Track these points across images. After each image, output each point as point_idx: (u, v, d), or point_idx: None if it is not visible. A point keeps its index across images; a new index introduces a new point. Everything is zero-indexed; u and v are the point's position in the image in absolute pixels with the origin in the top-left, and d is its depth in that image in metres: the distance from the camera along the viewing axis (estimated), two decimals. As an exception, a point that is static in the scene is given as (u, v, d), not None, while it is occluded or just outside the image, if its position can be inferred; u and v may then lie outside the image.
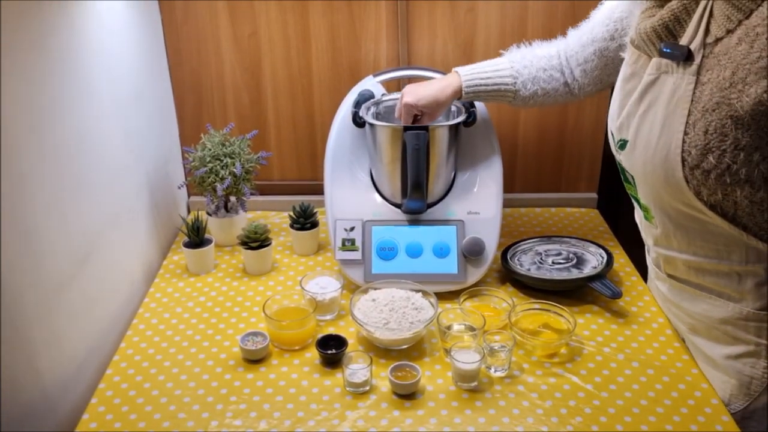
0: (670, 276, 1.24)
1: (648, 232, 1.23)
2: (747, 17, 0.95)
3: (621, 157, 1.18)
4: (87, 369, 1.27)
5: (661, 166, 1.07)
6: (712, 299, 1.17)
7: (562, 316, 1.34)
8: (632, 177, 1.17)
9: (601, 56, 1.35)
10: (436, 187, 1.49)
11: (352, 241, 1.47)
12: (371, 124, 1.45)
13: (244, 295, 1.49)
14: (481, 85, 1.38)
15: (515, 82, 1.38)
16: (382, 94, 1.55)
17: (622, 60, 1.27)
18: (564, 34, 1.70)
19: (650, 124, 1.07)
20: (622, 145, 1.15)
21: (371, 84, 1.56)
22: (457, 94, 1.38)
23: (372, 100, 1.52)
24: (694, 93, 1.01)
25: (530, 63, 1.39)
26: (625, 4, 1.26)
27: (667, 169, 1.06)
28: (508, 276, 1.53)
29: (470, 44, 1.72)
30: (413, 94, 1.37)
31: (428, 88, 1.38)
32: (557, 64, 1.40)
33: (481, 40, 1.71)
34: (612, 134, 1.19)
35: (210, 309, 1.44)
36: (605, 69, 1.36)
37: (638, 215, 1.28)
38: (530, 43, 1.43)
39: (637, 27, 1.10)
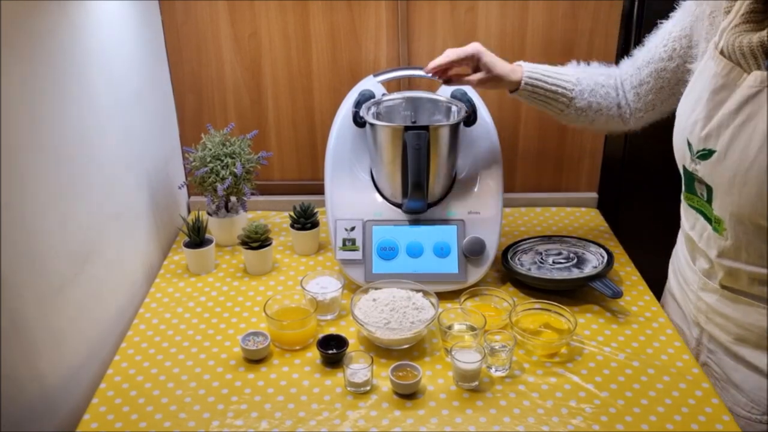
0: (724, 287, 1.20)
1: (713, 243, 1.18)
2: None
3: (698, 167, 1.14)
4: (88, 369, 1.27)
5: (755, 179, 1.05)
6: None
7: (562, 315, 1.34)
8: (708, 188, 1.14)
9: (657, 77, 1.32)
10: (436, 187, 1.49)
11: (353, 241, 1.47)
12: (372, 124, 1.45)
13: (244, 295, 1.49)
14: (541, 80, 1.37)
15: (574, 89, 1.37)
16: (383, 94, 1.55)
17: (678, 83, 1.28)
18: (564, 33, 1.71)
19: (748, 137, 1.05)
20: (705, 155, 1.12)
21: (371, 84, 1.56)
22: (516, 83, 1.37)
23: (372, 100, 1.52)
24: None
25: (589, 75, 1.39)
26: (685, 20, 1.25)
27: (761, 183, 1.05)
28: (508, 276, 1.53)
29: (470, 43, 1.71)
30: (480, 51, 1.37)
31: (494, 60, 1.38)
32: (613, 84, 1.39)
33: (481, 40, 1.69)
34: (688, 144, 1.16)
35: (211, 309, 1.44)
36: (660, 92, 1.34)
37: (694, 227, 1.24)
38: (588, 63, 1.44)
39: (732, 41, 1.08)
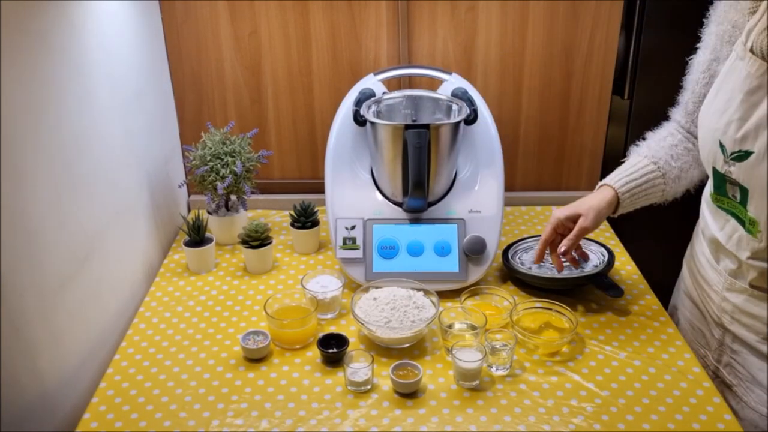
0: (753, 286, 1.19)
1: (745, 245, 1.17)
2: None
3: (732, 168, 1.13)
4: (88, 368, 1.26)
5: None
6: None
7: (563, 314, 1.34)
8: (742, 189, 1.13)
9: None
10: (437, 186, 1.48)
11: (353, 240, 1.46)
12: (372, 123, 1.45)
13: (244, 294, 1.49)
14: (631, 182, 1.33)
15: (659, 167, 1.33)
16: (383, 93, 1.55)
17: None
18: (564, 32, 1.70)
19: None
20: (741, 156, 1.10)
21: (372, 82, 1.56)
22: (614, 203, 1.34)
23: (373, 99, 1.51)
24: None
25: (659, 147, 1.35)
26: (712, 45, 1.22)
27: None
28: (509, 274, 1.53)
29: (471, 43, 1.71)
30: (564, 208, 1.36)
31: (580, 201, 1.36)
32: (682, 138, 1.35)
33: (481, 39, 1.71)
34: (721, 146, 1.14)
35: (211, 308, 1.44)
36: None
37: (723, 228, 1.22)
38: (643, 138, 1.40)
39: (763, 41, 1.06)
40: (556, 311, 1.35)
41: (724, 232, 1.22)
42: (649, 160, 1.34)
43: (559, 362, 1.27)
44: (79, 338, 1.24)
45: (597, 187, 1.38)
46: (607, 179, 1.36)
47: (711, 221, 1.26)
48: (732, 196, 1.16)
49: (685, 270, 1.42)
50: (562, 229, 1.37)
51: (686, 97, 1.33)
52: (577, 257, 1.41)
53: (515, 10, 1.68)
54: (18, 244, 1.03)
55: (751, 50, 1.09)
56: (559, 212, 1.36)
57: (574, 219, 1.34)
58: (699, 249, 1.34)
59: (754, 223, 1.13)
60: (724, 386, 1.28)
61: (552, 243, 1.38)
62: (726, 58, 1.18)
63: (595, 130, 1.82)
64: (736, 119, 1.10)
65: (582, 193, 1.85)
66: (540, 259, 1.41)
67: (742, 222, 1.16)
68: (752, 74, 1.08)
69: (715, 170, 1.18)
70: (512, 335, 1.27)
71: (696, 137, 1.31)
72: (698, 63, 1.27)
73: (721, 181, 1.18)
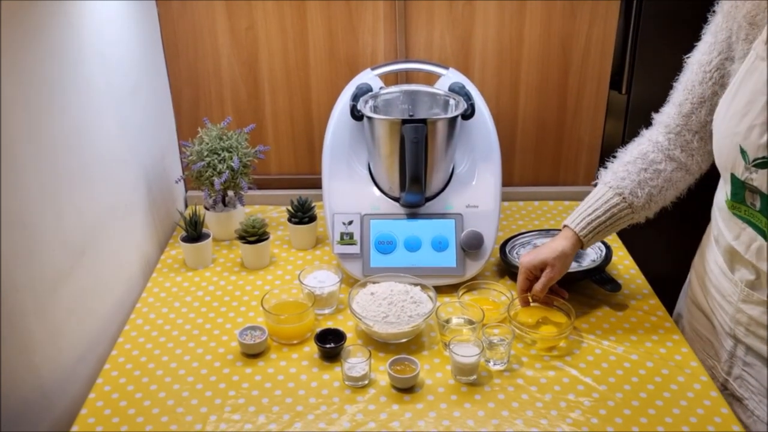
0: None
1: (764, 254, 1.11)
2: None
3: (755, 175, 1.07)
4: (85, 364, 1.26)
5: None
6: None
7: (561, 309, 1.34)
8: (763, 197, 1.07)
9: (713, 113, 1.20)
10: (434, 181, 1.48)
11: (351, 235, 1.46)
12: (369, 118, 1.44)
13: (242, 289, 1.49)
14: (594, 220, 1.30)
15: (624, 198, 1.28)
16: (380, 87, 1.55)
17: None
18: (562, 27, 1.70)
19: None
20: (765, 163, 1.05)
21: (369, 77, 1.56)
22: (578, 244, 1.31)
23: (370, 93, 1.51)
24: None
25: (627, 173, 1.29)
26: (721, 42, 1.15)
27: None
28: (506, 269, 1.53)
29: (468, 37, 1.71)
30: (531, 254, 1.33)
31: (547, 246, 1.33)
32: (655, 159, 1.29)
33: (479, 33, 1.71)
34: (742, 151, 1.08)
35: (208, 303, 1.44)
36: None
37: (739, 237, 1.17)
38: (613, 157, 1.35)
39: None
40: (554, 305, 1.35)
41: (740, 241, 1.16)
42: (614, 192, 1.29)
43: (556, 357, 1.27)
44: (77, 334, 1.24)
45: (561, 226, 1.35)
46: (568, 220, 1.33)
47: (725, 229, 1.20)
48: (750, 204, 1.11)
49: (693, 277, 1.37)
50: (532, 277, 1.34)
51: (681, 98, 1.24)
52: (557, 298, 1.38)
53: (512, 5, 1.67)
54: (15, 239, 1.03)
55: None
56: (528, 262, 1.32)
57: (542, 267, 1.32)
58: (711, 257, 1.28)
59: None
60: (733, 399, 1.24)
61: (527, 290, 1.36)
62: (742, 57, 1.11)
63: (592, 125, 1.82)
64: (760, 123, 1.04)
65: (579, 188, 1.88)
66: (526, 303, 1.36)
67: (761, 231, 1.10)
68: None
69: (733, 176, 1.12)
70: (510, 330, 1.27)
71: (683, 144, 1.27)
72: (699, 62, 1.20)
73: (740, 188, 1.11)
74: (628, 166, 1.30)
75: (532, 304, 1.36)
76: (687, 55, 1.23)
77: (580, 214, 1.32)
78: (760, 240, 1.11)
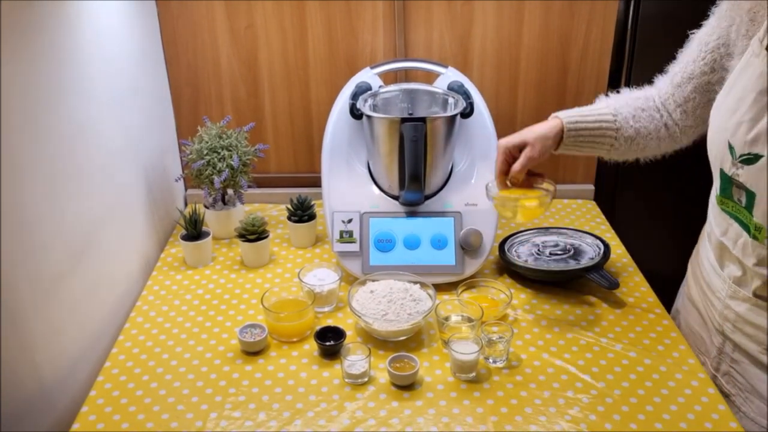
0: (757, 296, 1.15)
1: (751, 251, 1.12)
2: None
3: (740, 171, 1.08)
4: (86, 362, 1.27)
5: None
6: None
7: (541, 187, 1.31)
8: (749, 193, 1.09)
9: (703, 92, 1.24)
10: (433, 179, 1.49)
11: (350, 233, 1.47)
12: (369, 116, 1.45)
13: (242, 287, 1.49)
14: (582, 122, 1.29)
15: (616, 119, 1.30)
16: (380, 86, 1.55)
17: None
18: (560, 25, 1.70)
19: None
20: (750, 159, 1.06)
21: (368, 76, 1.56)
22: (559, 137, 1.30)
23: (369, 92, 1.51)
24: None
25: (626, 103, 1.32)
26: (721, 27, 1.17)
27: None
28: (505, 267, 1.53)
29: (467, 36, 1.72)
30: (509, 136, 1.31)
31: (527, 128, 1.31)
32: (653, 106, 1.32)
33: (478, 32, 1.71)
34: (730, 147, 1.09)
35: (208, 302, 1.44)
36: (708, 105, 1.22)
37: (727, 233, 1.18)
38: (617, 91, 1.36)
39: None
40: (534, 187, 1.31)
41: (728, 237, 1.18)
42: (610, 110, 1.30)
43: (555, 354, 1.27)
44: (77, 332, 1.24)
45: (549, 118, 1.34)
46: (561, 113, 1.32)
47: (715, 225, 1.22)
48: (737, 200, 1.12)
49: (689, 274, 1.39)
50: (510, 159, 1.31)
51: (676, 69, 1.28)
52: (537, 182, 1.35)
53: (511, 5, 1.68)
54: (15, 238, 1.03)
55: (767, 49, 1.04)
56: (507, 142, 1.30)
57: (521, 148, 1.29)
58: (704, 253, 1.29)
59: (760, 228, 1.09)
60: (721, 394, 1.23)
61: (505, 172, 1.33)
62: (741, 53, 1.12)
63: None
64: (747, 120, 1.05)
65: (579, 186, 1.88)
66: (504, 186, 1.33)
67: (746, 227, 1.12)
68: (766, 73, 1.03)
69: (722, 172, 1.14)
70: (508, 328, 1.27)
71: (672, 114, 1.30)
72: (700, 40, 1.21)
73: (728, 183, 1.13)
74: (630, 99, 1.33)
75: (510, 188, 1.32)
76: (692, 31, 1.25)
77: (573, 113, 1.32)
78: (745, 236, 1.13)
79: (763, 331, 1.15)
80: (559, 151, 1.33)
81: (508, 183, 1.32)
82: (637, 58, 1.79)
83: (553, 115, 1.33)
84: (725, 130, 1.10)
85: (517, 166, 1.28)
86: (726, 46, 1.17)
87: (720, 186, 1.16)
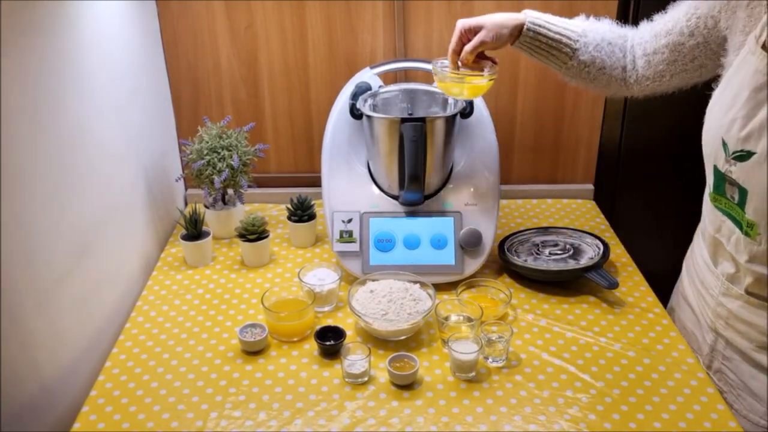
0: (749, 293, 1.15)
1: (744, 248, 1.12)
2: None
3: (733, 168, 1.08)
4: (86, 362, 1.27)
5: None
6: None
7: (492, 74, 1.32)
8: (741, 190, 1.08)
9: (673, 50, 1.24)
10: (433, 179, 1.49)
11: (350, 233, 1.47)
12: (369, 116, 1.45)
13: (242, 287, 1.49)
14: (543, 27, 1.28)
15: (579, 39, 1.29)
16: (379, 86, 1.55)
17: (694, 60, 1.22)
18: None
19: None
20: (743, 156, 1.06)
21: (368, 76, 1.56)
22: (517, 32, 1.29)
23: (369, 92, 1.52)
24: None
25: (598, 30, 1.31)
26: (712, 4, 1.17)
27: None
28: (505, 267, 1.53)
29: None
30: (473, 19, 1.29)
31: (493, 16, 1.30)
32: (622, 44, 1.31)
33: (477, 32, 1.71)
34: (723, 144, 1.09)
35: (208, 301, 1.45)
36: (672, 65, 1.25)
37: (720, 229, 1.18)
38: (599, 19, 1.35)
39: None
40: (484, 74, 1.32)
41: (721, 234, 1.18)
42: (578, 29, 1.30)
43: (554, 353, 1.28)
44: (78, 332, 1.24)
45: (522, 11, 1.33)
46: (531, 12, 1.31)
47: (708, 222, 1.23)
48: (730, 196, 1.12)
49: (684, 271, 1.39)
50: (465, 39, 1.31)
51: (660, 22, 1.27)
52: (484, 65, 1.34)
53: (510, 4, 1.67)
54: (16, 238, 1.04)
55: (763, 46, 1.03)
56: (464, 22, 1.30)
57: (476, 30, 1.29)
58: (698, 251, 1.30)
59: (752, 225, 1.09)
60: None
61: (458, 52, 1.32)
62: (737, 49, 1.11)
63: (590, 124, 1.82)
64: (741, 117, 1.05)
65: (578, 186, 1.88)
66: (455, 65, 1.33)
67: (738, 224, 1.12)
68: (761, 71, 1.02)
69: (715, 169, 1.14)
70: (508, 327, 1.27)
71: (636, 60, 1.30)
72: (691, 5, 1.21)
73: (721, 180, 1.13)
74: (604, 30, 1.32)
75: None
76: None
77: (542, 16, 1.31)
78: (738, 232, 1.13)
79: (756, 328, 1.15)
80: (515, 48, 1.32)
81: (459, 63, 1.32)
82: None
83: (525, 10, 1.32)
84: (719, 126, 1.10)
85: (468, 47, 1.28)
86: (714, 20, 1.17)
87: (713, 183, 1.17)
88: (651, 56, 1.28)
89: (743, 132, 1.05)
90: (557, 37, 1.29)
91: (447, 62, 1.32)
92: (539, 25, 1.29)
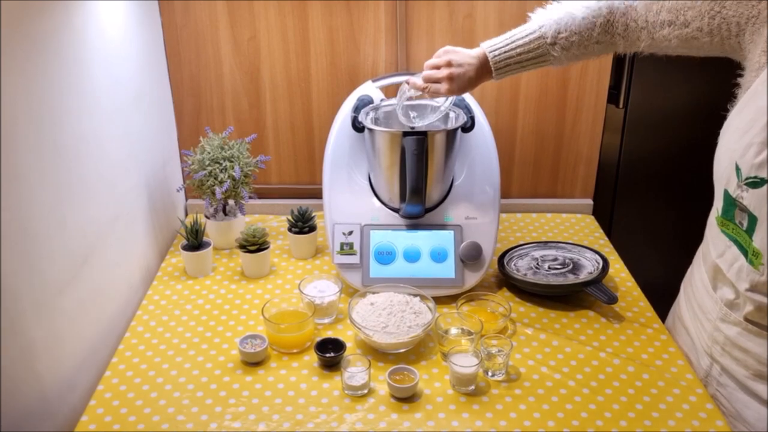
0: (748, 321, 1.13)
1: (744, 276, 1.10)
2: None
3: (745, 194, 1.06)
4: (86, 371, 1.27)
5: None
6: None
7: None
8: (751, 217, 1.06)
9: (683, 42, 1.16)
10: (434, 192, 1.50)
11: (351, 245, 1.47)
12: (370, 129, 1.46)
13: (242, 298, 1.49)
14: (506, 51, 1.27)
15: (539, 31, 1.25)
16: (381, 99, 1.56)
17: (699, 50, 1.15)
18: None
19: None
20: (756, 183, 1.03)
21: (370, 89, 1.57)
22: (485, 67, 1.28)
23: (371, 105, 1.52)
24: None
25: (557, 12, 1.26)
26: (741, 7, 1.08)
27: None
28: (505, 281, 1.54)
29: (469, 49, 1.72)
30: (459, 53, 1.30)
31: (464, 58, 1.30)
32: (603, 22, 1.24)
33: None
34: (737, 168, 1.06)
35: (208, 312, 1.45)
36: (677, 50, 1.18)
37: (723, 255, 1.16)
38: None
39: None
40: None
41: (723, 259, 1.15)
42: (535, 26, 1.26)
43: (553, 368, 1.28)
44: (78, 341, 1.24)
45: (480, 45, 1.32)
46: (486, 45, 1.30)
47: (712, 246, 1.20)
48: (739, 222, 1.10)
49: (681, 294, 1.38)
50: (443, 64, 1.32)
51: (669, 4, 1.17)
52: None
53: (512, 18, 1.69)
54: (17, 247, 1.04)
55: None
56: (448, 56, 1.31)
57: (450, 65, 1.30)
58: (698, 274, 1.27)
59: (757, 254, 1.06)
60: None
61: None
62: (756, 69, 1.07)
63: (590, 139, 1.83)
64: (758, 142, 1.02)
65: (577, 201, 1.89)
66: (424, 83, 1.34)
67: (744, 251, 1.10)
68: None
69: (726, 193, 1.11)
70: (508, 341, 1.28)
71: (625, 23, 1.23)
72: (713, 3, 1.11)
73: (731, 205, 1.10)
74: (566, 5, 1.27)
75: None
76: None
77: (499, 41, 1.30)
78: (742, 260, 1.11)
79: (753, 356, 1.14)
80: (499, 79, 1.30)
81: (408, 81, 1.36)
82: (636, 72, 1.80)
83: (480, 44, 1.31)
84: (734, 150, 1.07)
85: (432, 87, 1.32)
86: (739, 26, 1.09)
87: (722, 207, 1.14)
88: (655, 40, 1.21)
89: (758, 158, 1.02)
90: (521, 42, 1.27)
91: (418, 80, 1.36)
92: (501, 52, 1.28)
